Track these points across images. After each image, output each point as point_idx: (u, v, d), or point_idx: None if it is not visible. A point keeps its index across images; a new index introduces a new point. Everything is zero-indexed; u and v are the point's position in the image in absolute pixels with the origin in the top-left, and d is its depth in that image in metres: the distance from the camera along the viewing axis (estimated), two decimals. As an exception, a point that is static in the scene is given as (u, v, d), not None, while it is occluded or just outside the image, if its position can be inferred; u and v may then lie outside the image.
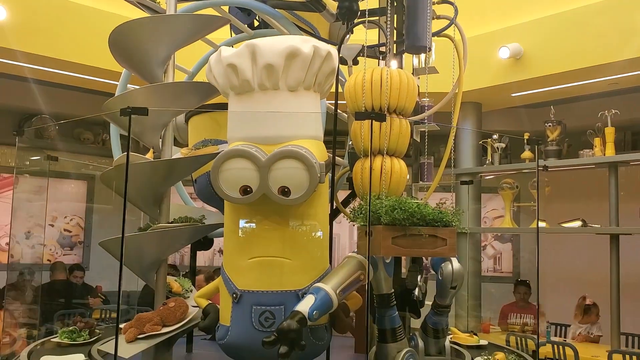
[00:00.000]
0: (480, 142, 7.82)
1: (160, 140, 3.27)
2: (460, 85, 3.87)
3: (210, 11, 3.97)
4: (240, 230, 2.63)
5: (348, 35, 4.41)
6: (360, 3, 3.73)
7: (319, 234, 2.67)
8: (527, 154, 7.37)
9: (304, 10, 3.87)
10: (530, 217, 8.39)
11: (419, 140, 4.15)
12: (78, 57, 6.44)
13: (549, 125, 7.15)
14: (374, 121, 2.87)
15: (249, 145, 2.51)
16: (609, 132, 6.39)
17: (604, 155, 6.39)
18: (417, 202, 2.52)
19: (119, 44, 3.16)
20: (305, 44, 2.55)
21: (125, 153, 3.14)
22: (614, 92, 7.40)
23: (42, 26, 6.24)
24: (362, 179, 2.91)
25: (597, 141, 6.51)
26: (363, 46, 3.69)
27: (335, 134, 3.11)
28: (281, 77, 2.55)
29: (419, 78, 4.21)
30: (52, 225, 9.49)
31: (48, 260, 9.08)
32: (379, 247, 2.43)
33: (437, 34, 3.81)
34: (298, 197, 2.46)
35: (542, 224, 7.05)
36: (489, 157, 7.70)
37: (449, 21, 3.95)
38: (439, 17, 3.88)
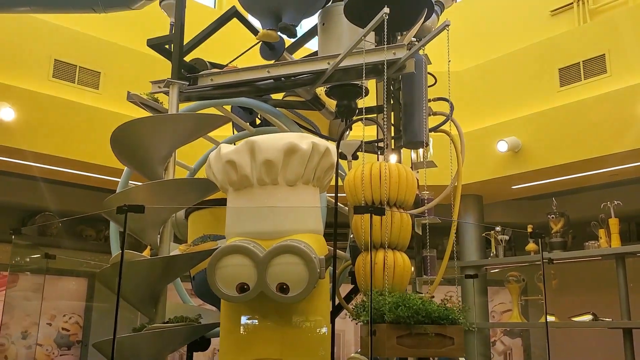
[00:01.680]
0: (484, 235, 7.77)
1: (159, 237, 3.24)
2: (459, 179, 3.89)
3: (212, 110, 4.08)
4: (236, 330, 2.54)
5: (347, 132, 4.51)
6: (358, 101, 3.82)
7: (321, 332, 2.58)
8: (531, 246, 7.30)
9: (304, 108, 3.96)
10: (539, 311, 8.17)
11: (420, 234, 4.11)
12: (83, 155, 6.56)
13: (552, 217, 7.13)
14: (373, 215, 2.86)
15: (247, 241, 2.48)
16: (613, 223, 6.35)
17: (610, 246, 6.32)
18: (421, 298, 2.45)
19: (120, 142, 3.21)
20: (303, 140, 2.58)
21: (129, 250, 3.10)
22: (616, 183, 7.44)
23: (49, 125, 6.40)
24: (364, 273, 2.85)
25: (601, 232, 6.46)
26: (361, 142, 3.75)
27: (335, 228, 3.08)
28: (280, 172, 2.56)
29: (417, 172, 4.24)
30: (50, 324, 9.26)
31: (42, 362, 8.80)
32: (383, 347, 2.33)
33: (434, 129, 3.87)
34: (297, 294, 2.40)
35: (551, 318, 6.85)
36: (493, 250, 7.63)
37: (445, 117, 4.03)
38: (435, 114, 3.96)
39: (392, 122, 3.86)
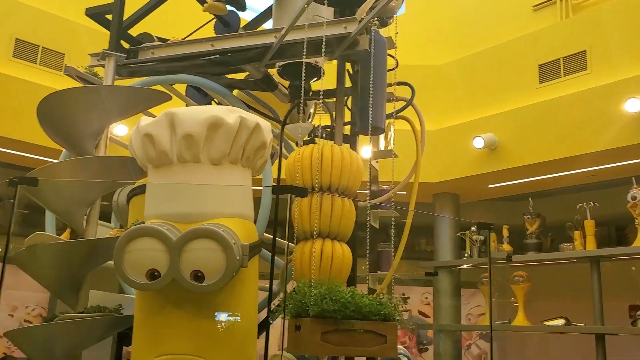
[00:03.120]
0: (459, 235, 7.55)
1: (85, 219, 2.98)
2: (418, 168, 3.64)
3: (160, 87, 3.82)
4: (148, 322, 2.29)
5: (310, 117, 4.26)
6: (314, 83, 3.59)
7: (244, 326, 2.32)
8: (506, 247, 7.09)
9: (256, 89, 3.71)
10: (514, 314, 7.95)
11: (377, 227, 3.87)
12: (44, 139, 6.25)
13: (528, 218, 6.92)
14: (314, 200, 2.62)
15: (160, 223, 2.22)
16: (589, 225, 6.14)
17: (585, 249, 6.11)
18: (352, 291, 2.21)
19: (46, 114, 2.95)
20: (230, 114, 2.33)
21: (41, 232, 2.84)
22: (595, 186, 7.24)
23: (8, 107, 6.11)
24: (301, 264, 2.61)
25: (576, 234, 6.25)
26: (314, 126, 3.51)
27: (276, 215, 2.84)
28: (202, 148, 2.31)
29: (377, 162, 4.00)
30: (12, 316, 8.96)
31: (4, 353, 8.50)
32: (306, 343, 2.09)
33: (393, 115, 3.63)
34: (213, 283, 2.15)
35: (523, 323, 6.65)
36: (468, 250, 7.41)
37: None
38: (397, 99, 3.72)
39: (351, 107, 3.61)
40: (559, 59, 6.60)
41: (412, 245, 9.69)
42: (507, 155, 6.69)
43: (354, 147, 3.55)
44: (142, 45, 3.38)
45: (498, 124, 6.82)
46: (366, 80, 3.38)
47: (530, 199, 6.89)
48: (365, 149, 3.90)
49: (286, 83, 3.74)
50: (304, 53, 3.03)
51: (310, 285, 2.30)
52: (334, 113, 3.14)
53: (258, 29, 3.21)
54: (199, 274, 2.16)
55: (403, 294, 10.57)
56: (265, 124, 2.47)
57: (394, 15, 3.83)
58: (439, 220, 7.84)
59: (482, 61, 7.37)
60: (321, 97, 2.84)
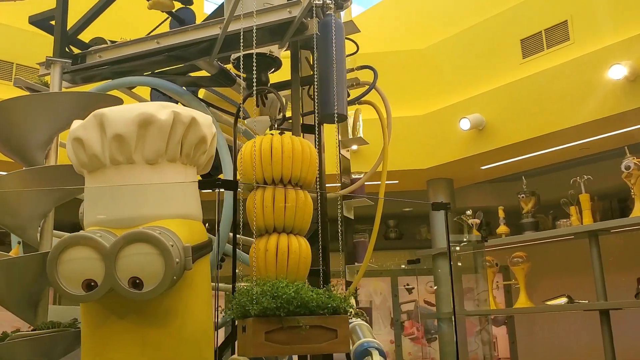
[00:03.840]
0: (455, 219, 7.40)
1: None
2: (386, 154, 3.50)
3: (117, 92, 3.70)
4: (93, 334, 2.18)
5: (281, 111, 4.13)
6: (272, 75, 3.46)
7: (194, 334, 2.21)
8: (502, 228, 6.94)
9: (214, 85, 3.59)
10: (517, 296, 7.80)
11: (352, 218, 3.75)
12: None
13: (522, 197, 6.76)
14: (267, 194, 2.51)
15: (94, 231, 2.11)
16: (584, 199, 5.97)
17: (582, 224, 5.94)
18: (296, 286, 2.08)
19: (-8, 126, 2.85)
20: (162, 110, 2.21)
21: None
22: (591, 159, 7.08)
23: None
24: (258, 261, 2.49)
25: (572, 210, 6.08)
26: (273, 119, 3.39)
27: (235, 211, 2.72)
28: (135, 148, 2.19)
29: (348, 150, 3.88)
30: None
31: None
32: (250, 345, 1.97)
33: (356, 100, 3.50)
34: (152, 289, 2.03)
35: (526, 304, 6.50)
36: (466, 235, 7.26)
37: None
38: (359, 84, 3.59)
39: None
40: (541, 31, 6.45)
41: (413, 234, 9.57)
42: (495, 134, 6.55)
43: (318, 137, 3.42)
44: (89, 50, 3.27)
45: (484, 104, 6.67)
46: (322, 66, 3.25)
47: (523, 177, 6.74)
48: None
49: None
50: (254, 42, 2.92)
51: (254, 284, 2.17)
52: (289, 103, 3.00)
53: (202, 22, 3.08)
54: (137, 281, 2.04)
55: (407, 285, 10.43)
56: (205, 118, 2.35)
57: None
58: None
59: (464, 41, 7.22)
60: (266, 88, 2.71)
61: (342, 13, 4.00)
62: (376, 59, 7.81)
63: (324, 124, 3.51)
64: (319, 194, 3.08)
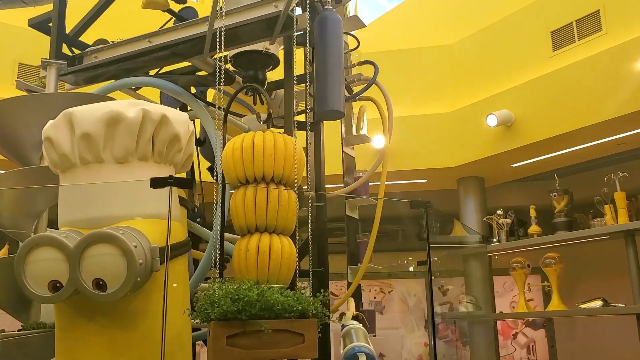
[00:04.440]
0: (485, 219, 7.17)
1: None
2: (386, 151, 3.37)
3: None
4: (62, 336, 2.15)
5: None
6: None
7: (164, 337, 2.15)
8: (534, 228, 6.67)
9: (212, 84, 3.54)
10: (548, 297, 7.49)
11: (357, 217, 3.64)
12: None
13: (555, 195, 6.48)
14: (248, 192, 2.44)
15: (62, 231, 2.08)
16: (619, 197, 5.66)
17: (617, 223, 5.64)
18: (261, 288, 2.00)
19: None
20: (131, 107, 2.17)
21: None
22: (627, 156, 6.73)
23: None
24: (238, 262, 2.42)
25: (607, 209, 5.78)
26: (270, 117, 3.32)
27: (224, 211, 2.66)
28: (104, 147, 2.15)
29: (352, 148, 3.77)
30: None
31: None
32: (212, 350, 1.90)
33: (355, 96, 3.39)
34: (115, 291, 1.99)
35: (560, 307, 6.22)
36: (496, 235, 7.02)
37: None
38: (359, 79, 3.48)
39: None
40: (572, 22, 6.16)
41: (441, 234, 9.33)
42: (524, 131, 6.30)
43: (317, 135, 3.33)
44: (85, 51, 3.28)
45: (513, 99, 6.43)
46: (318, 63, 3.16)
47: (555, 175, 6.46)
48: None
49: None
50: (247, 38, 2.86)
51: (216, 285, 2.10)
52: (268, 98, 2.92)
53: (191, 19, 3.04)
54: (101, 282, 2.00)
55: (442, 286, 10.22)
56: (178, 115, 2.29)
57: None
58: (465, 205, 7.48)
59: (492, 35, 6.99)
60: (247, 85, 2.64)
61: (352, 7, 3.91)
62: (403, 55, 7.68)
63: (327, 121, 3.43)
64: (309, 193, 3.00)
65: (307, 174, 3.48)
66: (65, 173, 2.24)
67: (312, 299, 2.07)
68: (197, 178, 3.67)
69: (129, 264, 1.98)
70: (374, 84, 3.42)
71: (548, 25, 6.37)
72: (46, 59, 3.11)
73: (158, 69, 3.87)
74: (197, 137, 3.81)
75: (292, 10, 3.09)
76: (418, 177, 7.45)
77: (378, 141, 7.05)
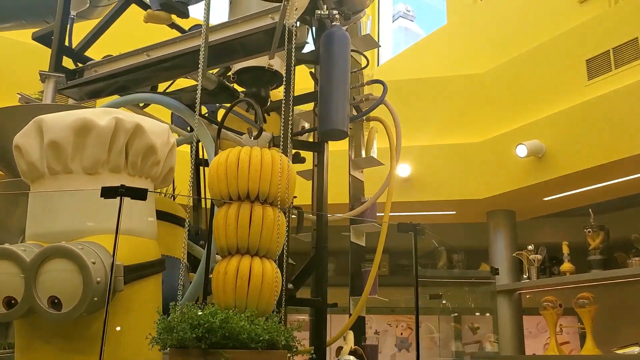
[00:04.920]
0: (515, 255, 6.82)
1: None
2: (392, 176, 3.17)
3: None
4: (19, 356, 2.00)
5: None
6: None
7: (128, 361, 1.98)
8: (566, 265, 6.30)
9: (216, 101, 3.43)
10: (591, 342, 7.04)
11: (364, 245, 3.43)
12: None
13: (589, 232, 6.13)
14: (230, 211, 2.28)
15: (21, 244, 1.95)
16: (659, 235, 5.30)
17: (656, 263, 5.27)
18: (225, 314, 1.81)
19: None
20: (104, 116, 2.05)
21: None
22: (671, 191, 6.32)
23: None
24: (217, 286, 2.25)
25: (646, 247, 5.42)
26: (273, 135, 3.17)
27: (210, 226, 2.50)
28: (73, 157, 2.03)
29: (362, 171, 3.58)
30: None
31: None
32: (168, 379, 1.71)
33: (361, 116, 3.21)
34: (70, 310, 1.83)
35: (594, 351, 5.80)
36: (526, 272, 6.67)
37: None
38: (368, 99, 3.30)
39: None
40: (608, 50, 5.87)
41: (468, 268, 8.94)
42: (557, 162, 5.98)
43: (321, 155, 3.16)
44: (86, 65, 3.21)
45: (545, 129, 6.13)
46: (323, 80, 3.02)
47: (590, 211, 6.11)
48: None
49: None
50: (246, 52, 2.74)
51: (177, 310, 1.91)
52: (260, 113, 2.77)
53: (186, 33, 2.94)
54: (56, 300, 1.86)
55: (472, 324, 9.77)
56: (155, 126, 2.16)
57: (364, 10, 3.43)
58: (494, 240, 7.14)
59: (525, 64, 6.73)
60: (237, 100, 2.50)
61: (362, 25, 3.77)
62: (434, 84, 7.49)
63: (338, 143, 3.27)
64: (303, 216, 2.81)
65: (312, 197, 3.31)
66: (34, 183, 2.12)
67: (282, 328, 1.87)
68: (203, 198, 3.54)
69: (85, 281, 1.83)
70: (382, 105, 3.24)
71: (583, 53, 6.10)
72: (44, 71, 3.05)
73: (168, 86, 3.80)
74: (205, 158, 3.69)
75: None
76: (446, 208, 7.17)
77: (402, 169, 6.87)
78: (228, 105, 3.45)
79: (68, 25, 3.44)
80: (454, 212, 7.31)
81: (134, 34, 3.72)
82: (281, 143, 2.93)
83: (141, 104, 3.79)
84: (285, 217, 3.17)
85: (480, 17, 8.07)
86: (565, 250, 6.32)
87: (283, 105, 2.99)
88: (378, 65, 10.31)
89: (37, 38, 3.30)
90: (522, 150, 6.01)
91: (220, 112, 4.06)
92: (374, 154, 3.49)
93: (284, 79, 3.03)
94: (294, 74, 3.03)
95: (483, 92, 7.10)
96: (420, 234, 2.40)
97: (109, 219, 2.07)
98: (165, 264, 2.25)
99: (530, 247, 6.63)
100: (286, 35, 2.65)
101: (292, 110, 2.96)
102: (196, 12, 3.50)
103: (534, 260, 6.53)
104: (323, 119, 2.97)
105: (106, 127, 2.03)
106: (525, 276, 6.60)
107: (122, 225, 2.09)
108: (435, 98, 7.35)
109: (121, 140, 2.06)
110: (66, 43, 3.37)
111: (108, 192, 1.76)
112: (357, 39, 3.62)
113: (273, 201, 2.35)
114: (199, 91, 2.38)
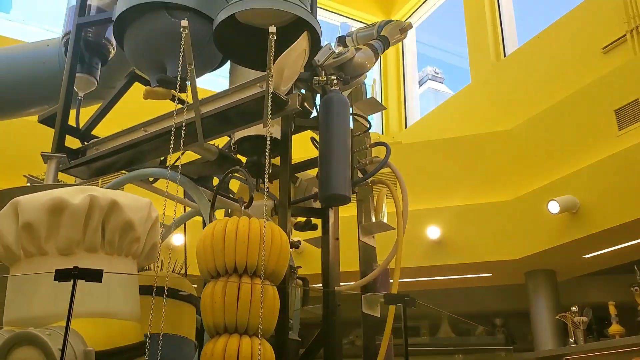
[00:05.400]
0: (558, 317, 6.41)
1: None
2: (400, 241, 3.00)
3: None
4: None
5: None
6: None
7: None
8: (615, 327, 5.88)
9: (220, 172, 3.38)
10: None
11: (378, 315, 3.23)
12: None
13: (636, 290, 5.74)
14: (217, 287, 2.17)
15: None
16: None
17: None
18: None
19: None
20: (79, 194, 2.00)
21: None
22: None
23: None
24: (207, 369, 2.11)
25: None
26: (274, 204, 3.09)
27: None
28: (47, 238, 1.97)
29: (373, 237, 3.43)
30: None
31: None
32: None
33: (364, 179, 3.09)
34: (34, 402, 1.72)
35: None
36: (571, 336, 6.25)
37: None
38: (371, 162, 3.20)
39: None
40: (637, 99, 5.67)
41: (524, 335, 8.44)
42: (592, 217, 5.70)
43: (326, 222, 3.04)
44: (89, 143, 3.23)
45: (577, 183, 5.89)
46: (323, 145, 2.94)
47: (635, 267, 5.75)
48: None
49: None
50: (240, 122, 2.70)
51: None
52: (251, 183, 2.70)
53: (179, 107, 2.92)
54: (21, 392, 1.75)
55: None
56: (133, 201, 2.09)
57: (365, 74, 3.38)
58: (534, 302, 6.77)
59: (552, 117, 6.57)
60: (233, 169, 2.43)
61: (368, 88, 3.72)
62: (461, 143, 7.35)
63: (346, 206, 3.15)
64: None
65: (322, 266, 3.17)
66: (12, 267, 2.07)
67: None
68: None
69: (49, 370, 1.72)
70: (387, 167, 3.13)
71: (611, 103, 5.91)
72: (46, 152, 3.07)
73: (178, 158, 3.79)
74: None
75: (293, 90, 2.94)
76: (481, 270, 6.87)
77: (432, 231, 6.65)
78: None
79: (76, 106, 3.51)
80: (490, 275, 7.00)
81: (144, 107, 3.75)
82: (279, 211, 2.84)
83: (150, 179, 3.78)
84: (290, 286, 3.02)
85: (504, 73, 8.00)
86: (612, 310, 5.93)
87: (280, 173, 2.93)
88: (406, 127, 10.28)
89: (42, 120, 3.36)
90: (554, 207, 5.76)
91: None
92: (384, 218, 3.35)
93: (280, 146, 2.99)
94: (291, 140, 2.98)
95: (511, 149, 6.93)
96: (410, 306, 2.22)
97: (85, 301, 1.98)
98: (145, 349, 2.12)
99: (574, 309, 6.25)
100: (267, 102, 2.61)
101: (292, 177, 2.89)
102: (202, 81, 3.53)
103: (580, 323, 6.13)
104: (323, 183, 2.88)
105: (80, 205, 1.97)
106: (571, 340, 6.18)
107: (100, 307, 2.01)
108: (462, 157, 7.21)
109: (96, 218, 2.00)
110: (73, 124, 3.42)
111: (61, 275, 1.68)
112: (362, 102, 3.56)
113: (262, 274, 2.23)
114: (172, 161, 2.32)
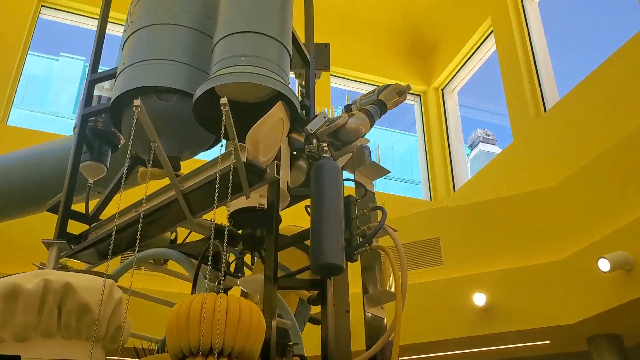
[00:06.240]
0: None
1: None
2: (399, 316, 2.80)
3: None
4: None
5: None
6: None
7: None
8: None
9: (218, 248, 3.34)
10: None
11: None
12: None
13: None
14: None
15: None
16: None
17: None
18: None
19: None
20: (32, 279, 1.98)
21: None
22: None
23: None
24: None
25: None
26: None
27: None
28: (3, 324, 1.95)
29: (382, 307, 3.24)
30: None
31: None
32: None
33: (360, 246, 2.96)
34: None
35: None
36: (645, 407, 5.62)
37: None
38: (369, 227, 3.07)
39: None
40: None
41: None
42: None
43: (323, 293, 2.91)
44: (89, 228, 3.27)
45: (628, 238, 5.47)
46: (314, 213, 2.87)
47: None
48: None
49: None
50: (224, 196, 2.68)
51: None
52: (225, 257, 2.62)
53: (163, 186, 2.92)
54: None
55: None
56: (89, 282, 2.06)
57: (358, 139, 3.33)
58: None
59: (595, 170, 6.23)
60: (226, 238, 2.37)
61: (370, 152, 3.65)
62: (506, 203, 7.05)
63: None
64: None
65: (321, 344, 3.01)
66: (-27, 356, 2.05)
67: None
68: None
69: None
70: (384, 233, 2.99)
71: (658, 150, 5.56)
72: (47, 239, 3.13)
73: (186, 236, 3.79)
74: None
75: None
76: (536, 338, 6.39)
77: (478, 298, 6.29)
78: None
79: (86, 193, 3.60)
80: (548, 342, 6.49)
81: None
82: (265, 286, 2.74)
83: (162, 260, 3.79)
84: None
85: (545, 129, 7.75)
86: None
87: (266, 249, 2.85)
88: (454, 190, 10.03)
89: (49, 209, 3.45)
90: (604, 265, 5.35)
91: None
92: (391, 286, 3.17)
93: (267, 217, 2.93)
94: (278, 209, 2.91)
95: (556, 206, 6.58)
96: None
97: (38, 388, 1.93)
98: None
99: (643, 378, 5.65)
100: (255, 171, 2.57)
101: (277, 250, 2.79)
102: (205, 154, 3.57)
103: (652, 393, 5.53)
104: (315, 253, 2.77)
105: (34, 290, 1.96)
106: (644, 413, 5.56)
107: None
108: (505, 219, 6.90)
109: (50, 302, 1.97)
110: (82, 210, 3.50)
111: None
112: (365, 167, 3.48)
113: (238, 356, 2.12)
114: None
